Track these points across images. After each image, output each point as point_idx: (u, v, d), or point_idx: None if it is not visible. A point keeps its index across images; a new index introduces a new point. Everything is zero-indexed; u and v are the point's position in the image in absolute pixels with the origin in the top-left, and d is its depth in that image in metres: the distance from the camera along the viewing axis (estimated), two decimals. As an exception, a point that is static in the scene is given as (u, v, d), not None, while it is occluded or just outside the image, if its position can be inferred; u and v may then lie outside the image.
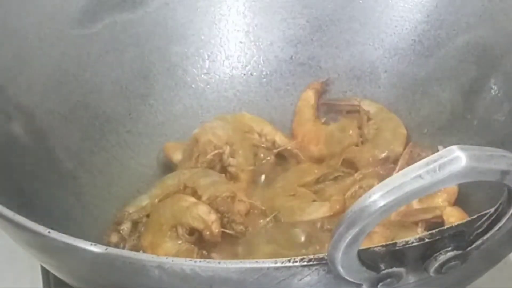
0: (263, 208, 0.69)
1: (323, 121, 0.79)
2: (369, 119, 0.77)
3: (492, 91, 0.72)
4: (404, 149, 0.74)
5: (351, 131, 0.76)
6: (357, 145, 0.76)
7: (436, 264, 0.46)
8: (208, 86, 0.81)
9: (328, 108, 0.80)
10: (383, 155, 0.73)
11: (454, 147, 0.41)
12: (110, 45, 0.77)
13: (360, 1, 0.81)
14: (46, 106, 0.71)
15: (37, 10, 0.73)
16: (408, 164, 0.67)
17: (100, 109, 0.75)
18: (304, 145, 0.77)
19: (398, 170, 0.69)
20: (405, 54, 0.79)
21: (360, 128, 0.76)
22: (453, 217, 0.64)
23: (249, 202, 0.69)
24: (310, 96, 0.79)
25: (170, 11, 0.80)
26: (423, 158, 0.67)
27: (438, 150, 0.68)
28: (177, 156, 0.74)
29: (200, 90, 0.81)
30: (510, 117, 0.70)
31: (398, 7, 0.79)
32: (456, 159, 0.41)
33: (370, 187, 0.67)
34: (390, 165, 0.73)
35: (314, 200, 0.70)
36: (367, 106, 0.78)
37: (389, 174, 0.69)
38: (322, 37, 0.81)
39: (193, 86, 0.80)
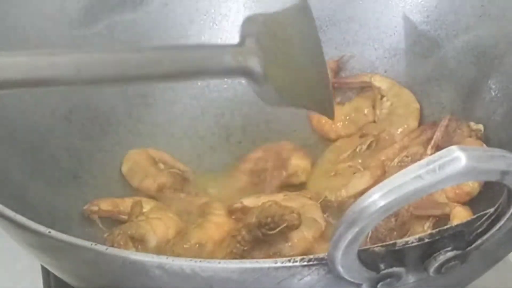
0: (309, 196, 0.70)
1: (338, 100, 0.79)
2: (382, 96, 0.77)
3: (492, 91, 0.72)
4: (419, 124, 0.75)
5: (365, 111, 0.77)
6: (374, 122, 0.77)
7: (436, 264, 0.46)
8: (208, 87, 0.81)
9: (341, 86, 0.80)
10: (399, 131, 0.74)
11: (454, 147, 0.41)
12: (110, 45, 0.77)
13: (360, 2, 0.81)
14: (46, 106, 0.71)
15: (37, 10, 0.73)
16: (443, 137, 0.70)
17: (100, 109, 0.75)
18: (320, 127, 0.78)
19: (435, 143, 0.70)
20: (405, 55, 0.79)
21: (373, 107, 0.77)
22: (459, 217, 0.64)
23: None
24: None
25: (170, 11, 0.80)
26: (458, 133, 0.69)
27: (470, 127, 0.69)
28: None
29: (200, 90, 0.81)
30: (509, 117, 0.70)
31: (397, 7, 0.79)
32: (456, 159, 0.41)
33: (415, 154, 0.69)
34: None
35: (354, 173, 0.71)
36: (379, 82, 0.78)
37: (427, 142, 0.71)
38: (322, 37, 0.80)
39: (193, 86, 0.80)
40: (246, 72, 0.57)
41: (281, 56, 0.58)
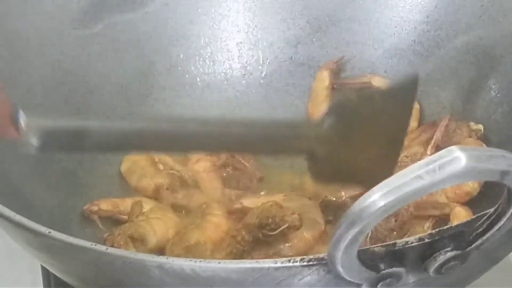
0: (309, 196, 0.70)
1: None
2: None
3: (492, 91, 0.72)
4: (419, 123, 0.75)
5: None
6: None
7: (436, 264, 0.46)
8: (208, 86, 0.81)
9: (341, 87, 0.80)
10: None
11: (454, 147, 0.41)
12: (110, 45, 0.77)
13: (360, 2, 0.81)
14: (46, 106, 0.71)
15: (37, 10, 0.73)
16: (443, 137, 0.70)
17: (100, 109, 0.75)
18: None
19: (434, 143, 0.70)
20: (405, 55, 0.79)
21: None
22: (459, 217, 0.64)
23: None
24: (325, 76, 0.80)
25: (170, 11, 0.80)
26: (458, 133, 0.69)
27: (469, 127, 0.70)
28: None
29: (200, 90, 0.81)
30: (509, 117, 0.70)
31: (397, 7, 0.79)
32: (456, 159, 0.41)
33: (415, 154, 0.69)
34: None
35: None
36: (378, 82, 0.78)
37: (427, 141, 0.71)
38: (322, 37, 0.82)
39: (193, 86, 0.80)
40: (309, 154, 0.56)
41: (356, 135, 0.55)
